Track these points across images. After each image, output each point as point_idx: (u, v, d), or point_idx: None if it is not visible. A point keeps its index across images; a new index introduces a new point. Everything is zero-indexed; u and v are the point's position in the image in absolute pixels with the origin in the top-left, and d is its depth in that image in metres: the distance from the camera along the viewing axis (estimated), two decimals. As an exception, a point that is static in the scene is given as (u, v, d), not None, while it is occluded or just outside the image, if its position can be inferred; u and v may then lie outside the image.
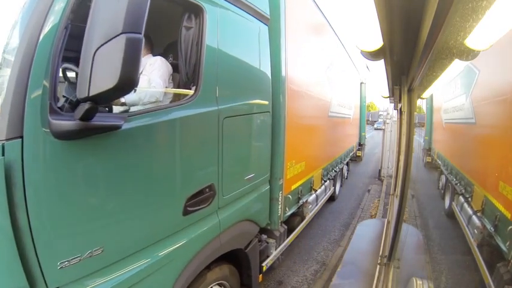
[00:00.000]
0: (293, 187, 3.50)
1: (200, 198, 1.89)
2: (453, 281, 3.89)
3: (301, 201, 3.87)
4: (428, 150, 10.62)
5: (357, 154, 11.38)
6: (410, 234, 3.84)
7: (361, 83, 10.76)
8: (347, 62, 7.25)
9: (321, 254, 4.57)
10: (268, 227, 3.07)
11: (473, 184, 4.36)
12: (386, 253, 2.92)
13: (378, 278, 2.84)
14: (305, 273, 3.98)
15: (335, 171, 6.26)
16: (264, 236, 3.07)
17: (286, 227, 3.48)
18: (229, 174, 2.16)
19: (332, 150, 6.11)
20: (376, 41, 1.46)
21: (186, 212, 1.79)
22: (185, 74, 1.83)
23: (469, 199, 4.47)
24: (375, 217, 6.13)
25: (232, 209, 2.28)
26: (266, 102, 2.70)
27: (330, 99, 5.32)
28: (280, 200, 3.02)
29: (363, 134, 11.89)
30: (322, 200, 5.41)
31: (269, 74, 2.73)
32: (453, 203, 5.59)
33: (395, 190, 4.27)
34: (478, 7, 1.10)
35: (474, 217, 4.05)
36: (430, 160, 10.17)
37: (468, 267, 4.00)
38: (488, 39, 1.37)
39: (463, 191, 4.91)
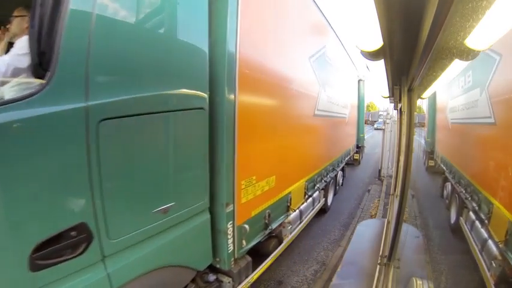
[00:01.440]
0: (254, 212, 2.68)
1: (62, 246, 1.28)
2: (453, 281, 3.89)
3: (270, 228, 3.02)
4: (430, 153, 9.73)
5: (354, 157, 10.64)
6: (410, 234, 3.84)
7: (359, 81, 10.08)
8: (342, 55, 6.48)
9: (321, 254, 4.57)
10: (217, 266, 2.33)
11: (491, 203, 3.45)
12: (386, 253, 2.92)
13: (378, 278, 2.84)
14: (305, 273, 3.98)
15: (325, 181, 5.36)
16: (212, 277, 2.34)
17: (250, 259, 2.70)
18: (119, 207, 1.50)
19: (321, 157, 5.20)
20: (376, 41, 1.46)
21: (35, 267, 1.20)
22: (36, 53, 1.23)
23: (486, 221, 3.56)
24: (375, 217, 6.13)
25: (134, 255, 1.60)
26: (198, 93, 1.87)
27: (316, 94, 4.40)
28: (230, 232, 2.27)
29: (361, 135, 11.19)
30: (309, 216, 4.64)
31: (206, 52, 1.91)
32: (461, 218, 4.73)
33: (395, 190, 4.27)
34: (478, 7, 1.10)
35: (491, 243, 3.27)
36: (433, 164, 9.28)
37: (467, 267, 4.00)
38: (488, 39, 1.37)
39: (476, 208, 3.96)
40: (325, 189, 5.75)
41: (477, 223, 3.88)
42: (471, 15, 1.16)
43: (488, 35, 1.32)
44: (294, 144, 3.70)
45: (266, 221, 2.93)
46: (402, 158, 2.77)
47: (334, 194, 7.02)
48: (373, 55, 1.64)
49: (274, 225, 3.14)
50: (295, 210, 3.84)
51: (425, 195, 7.88)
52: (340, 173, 7.50)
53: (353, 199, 7.58)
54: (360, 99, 10.28)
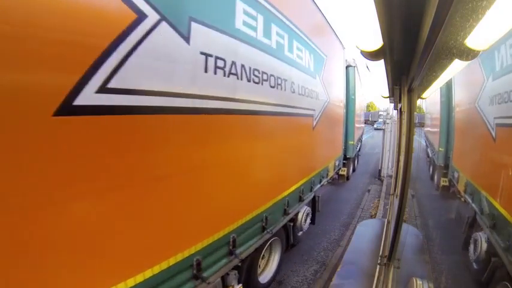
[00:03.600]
0: None
1: None
2: (453, 281, 3.88)
3: None
4: (444, 168, 6.90)
5: (340, 173, 7.97)
6: (410, 234, 3.83)
7: (347, 66, 6.93)
8: (310, 9, 4.17)
9: (321, 254, 4.57)
10: None
11: None
12: (387, 253, 2.92)
13: (378, 278, 2.84)
14: (305, 273, 3.98)
15: (235, 255, 2.52)
16: None
17: None
18: None
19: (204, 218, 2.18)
20: (376, 41, 1.46)
21: None
22: None
23: None
24: (374, 217, 6.14)
25: None
26: None
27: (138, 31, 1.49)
28: None
29: (351, 143, 7.93)
30: None
31: None
32: None
33: (395, 190, 4.27)
34: (478, 7, 1.10)
35: None
36: (447, 184, 6.64)
37: (466, 268, 4.00)
38: (488, 39, 1.37)
39: None
40: (251, 263, 3.11)
41: None
42: (471, 15, 1.16)
43: (488, 35, 1.33)
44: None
45: None
46: (402, 158, 2.77)
47: (292, 247, 4.30)
48: (373, 55, 1.64)
49: None
50: None
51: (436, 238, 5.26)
52: (306, 210, 4.48)
53: (353, 199, 7.59)
54: (350, 93, 7.15)
